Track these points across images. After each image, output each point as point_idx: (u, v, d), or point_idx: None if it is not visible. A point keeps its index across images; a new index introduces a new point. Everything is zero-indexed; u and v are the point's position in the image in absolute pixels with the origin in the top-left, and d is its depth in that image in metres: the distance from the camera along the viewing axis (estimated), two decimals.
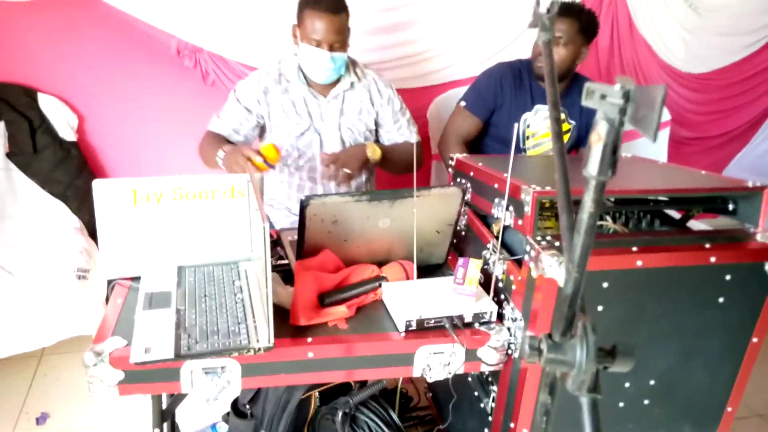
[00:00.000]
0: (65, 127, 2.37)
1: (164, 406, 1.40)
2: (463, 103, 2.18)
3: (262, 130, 1.99)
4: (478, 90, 2.18)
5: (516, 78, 2.15)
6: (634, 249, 1.19)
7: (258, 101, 1.90)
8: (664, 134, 2.82)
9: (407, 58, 2.60)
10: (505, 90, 2.13)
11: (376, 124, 2.05)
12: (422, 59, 2.64)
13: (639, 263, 1.18)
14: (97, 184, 1.28)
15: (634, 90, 0.41)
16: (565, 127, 2.20)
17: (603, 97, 0.43)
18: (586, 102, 0.45)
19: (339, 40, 1.80)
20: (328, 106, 1.94)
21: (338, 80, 1.93)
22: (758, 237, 1.30)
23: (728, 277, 1.25)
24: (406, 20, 2.53)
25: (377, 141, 2.09)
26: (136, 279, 1.36)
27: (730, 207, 1.39)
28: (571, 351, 0.50)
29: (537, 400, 1.12)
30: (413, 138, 2.07)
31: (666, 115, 2.79)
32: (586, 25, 2.01)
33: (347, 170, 1.79)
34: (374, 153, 1.88)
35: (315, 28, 1.76)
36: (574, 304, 0.51)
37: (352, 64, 1.96)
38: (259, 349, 1.09)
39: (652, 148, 2.77)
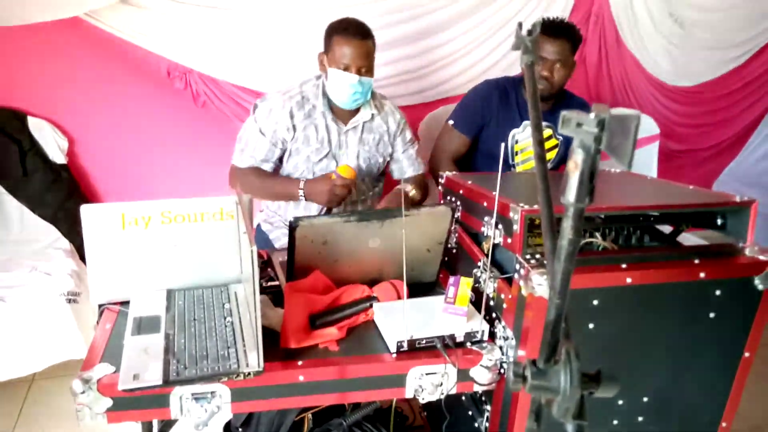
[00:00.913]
0: (55, 150, 2.37)
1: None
2: (450, 122, 2.20)
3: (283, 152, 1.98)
4: (465, 108, 2.20)
5: (502, 95, 2.17)
6: (623, 266, 1.19)
7: (287, 128, 1.90)
8: (654, 148, 2.84)
9: (398, 76, 2.62)
10: (492, 107, 2.16)
11: (390, 155, 2.09)
12: (413, 77, 2.66)
13: (628, 280, 1.18)
14: (85, 209, 1.27)
15: (609, 119, 0.41)
16: (553, 142, 2.21)
17: (579, 125, 0.43)
18: (562, 130, 0.45)
19: (366, 64, 1.84)
20: (347, 135, 1.96)
21: (358, 110, 1.96)
22: (747, 251, 1.30)
23: (718, 293, 1.25)
24: (397, 39, 2.55)
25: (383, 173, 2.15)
26: (126, 303, 1.35)
27: (719, 222, 1.40)
28: (555, 377, 0.50)
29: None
30: (421, 169, 2.14)
31: (655, 129, 2.81)
32: (576, 41, 2.07)
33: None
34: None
35: (344, 52, 1.80)
36: (557, 330, 0.51)
37: (372, 96, 1.99)
38: (249, 373, 1.08)
39: (642, 162, 2.79)
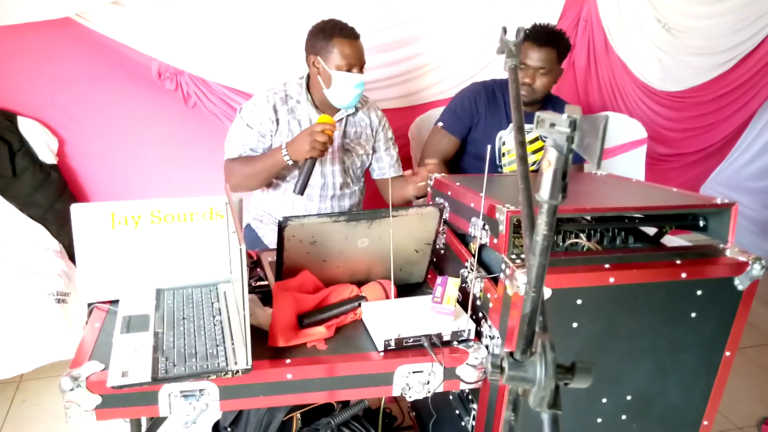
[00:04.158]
0: (45, 150, 2.36)
1: (144, 430, 1.39)
2: (440, 124, 2.22)
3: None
4: (453, 110, 2.23)
5: (490, 97, 2.20)
6: (607, 266, 1.22)
7: (270, 120, 1.93)
8: (642, 152, 2.86)
9: (387, 79, 2.63)
10: (480, 109, 2.19)
11: (373, 149, 2.12)
12: (402, 80, 2.68)
13: (611, 280, 1.20)
14: (75, 209, 1.28)
15: (580, 119, 0.43)
16: (540, 144, 2.24)
17: (552, 125, 0.45)
18: (538, 130, 0.47)
19: (364, 63, 1.91)
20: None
21: None
22: (728, 252, 1.33)
23: (699, 293, 1.27)
24: (386, 42, 2.57)
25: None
26: (115, 302, 1.35)
27: (701, 223, 1.43)
28: (531, 368, 0.52)
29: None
30: (401, 172, 2.17)
31: (642, 133, 2.84)
32: (563, 49, 2.09)
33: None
34: None
35: (348, 53, 1.85)
36: (532, 323, 0.53)
37: None
38: (237, 371, 1.09)
39: (629, 165, 2.82)
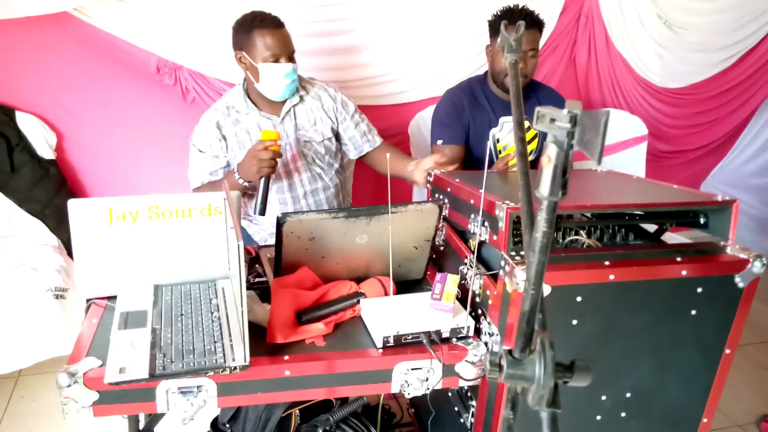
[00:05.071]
0: (44, 145, 2.36)
1: (141, 426, 1.39)
2: (439, 141, 2.18)
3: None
4: (443, 123, 2.19)
5: (471, 98, 2.18)
6: (607, 263, 1.21)
7: (217, 139, 1.90)
8: (642, 149, 2.86)
9: (386, 75, 2.62)
10: (466, 110, 2.16)
11: (335, 131, 2.05)
12: (401, 76, 2.66)
13: (611, 277, 1.20)
14: (72, 204, 1.27)
15: (581, 115, 0.43)
16: (532, 133, 2.22)
17: (552, 120, 0.44)
18: (537, 126, 0.47)
19: (293, 51, 1.85)
20: (283, 124, 1.94)
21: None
22: (728, 250, 1.32)
23: (700, 290, 1.26)
24: (385, 37, 2.56)
25: (340, 150, 2.11)
26: (113, 298, 1.35)
27: (702, 220, 1.42)
28: (530, 366, 0.51)
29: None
30: (378, 140, 2.11)
31: (643, 129, 2.84)
32: (542, 29, 2.06)
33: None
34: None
35: (271, 43, 1.79)
36: (532, 321, 0.52)
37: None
38: (235, 367, 1.08)
39: (630, 162, 2.81)
